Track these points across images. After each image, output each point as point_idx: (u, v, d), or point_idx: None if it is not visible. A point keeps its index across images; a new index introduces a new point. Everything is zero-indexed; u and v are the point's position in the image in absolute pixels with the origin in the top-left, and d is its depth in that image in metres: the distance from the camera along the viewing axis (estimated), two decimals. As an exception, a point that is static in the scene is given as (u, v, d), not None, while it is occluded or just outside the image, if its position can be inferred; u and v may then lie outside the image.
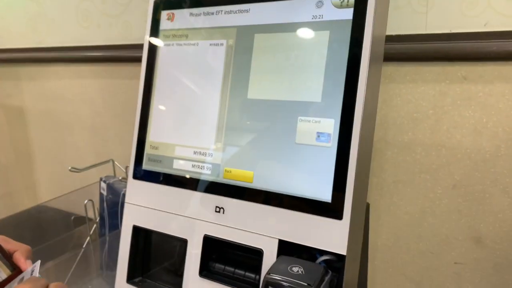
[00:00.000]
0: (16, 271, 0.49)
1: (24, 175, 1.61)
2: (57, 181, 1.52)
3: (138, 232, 0.70)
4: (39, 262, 0.51)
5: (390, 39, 0.80)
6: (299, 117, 0.56)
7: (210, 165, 0.64)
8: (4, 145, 1.65)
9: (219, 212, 0.62)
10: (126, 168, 1.13)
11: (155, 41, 0.71)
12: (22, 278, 0.50)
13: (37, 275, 0.49)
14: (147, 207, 0.68)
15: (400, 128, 0.84)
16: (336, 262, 0.55)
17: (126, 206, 0.71)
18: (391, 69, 0.83)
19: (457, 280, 0.84)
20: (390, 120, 0.85)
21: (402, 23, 0.79)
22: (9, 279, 0.48)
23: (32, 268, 0.50)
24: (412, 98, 0.82)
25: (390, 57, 0.80)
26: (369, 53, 0.53)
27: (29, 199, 1.62)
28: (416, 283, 0.88)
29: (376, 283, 0.92)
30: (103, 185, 1.12)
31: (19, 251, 0.51)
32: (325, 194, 0.54)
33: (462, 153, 0.79)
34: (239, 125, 0.62)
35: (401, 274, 0.89)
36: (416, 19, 0.79)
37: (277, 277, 0.51)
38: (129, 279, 0.70)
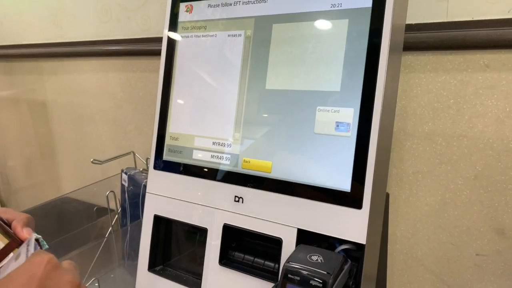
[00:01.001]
0: (12, 239, 0.45)
1: (48, 167, 1.65)
2: (80, 173, 1.56)
3: (159, 221, 0.71)
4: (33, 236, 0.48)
5: (410, 28, 0.79)
6: (318, 107, 0.56)
7: (228, 156, 0.65)
8: (28, 139, 1.70)
9: (238, 201, 0.63)
10: (147, 160, 1.15)
11: (173, 33, 0.72)
12: (26, 247, 0.46)
13: (32, 248, 0.46)
14: (167, 197, 0.70)
15: (420, 119, 0.83)
16: (355, 252, 0.55)
17: (147, 196, 0.72)
18: (411, 59, 0.82)
19: (478, 272, 0.83)
20: (409, 110, 0.84)
21: (422, 11, 0.78)
22: (6, 249, 0.44)
23: (28, 241, 0.46)
24: (432, 87, 0.81)
25: (410, 46, 0.79)
26: (388, 42, 0.53)
27: (53, 191, 1.67)
28: (435, 274, 0.87)
29: (395, 274, 0.92)
30: (124, 176, 1.15)
31: (16, 219, 0.48)
32: (344, 184, 0.54)
33: (484, 143, 0.77)
34: (257, 115, 0.62)
35: (421, 265, 0.89)
36: (436, 7, 0.77)
37: (296, 265, 0.51)
38: (151, 268, 0.71)
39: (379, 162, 0.53)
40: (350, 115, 0.54)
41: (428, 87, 0.81)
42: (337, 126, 0.54)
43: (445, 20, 0.77)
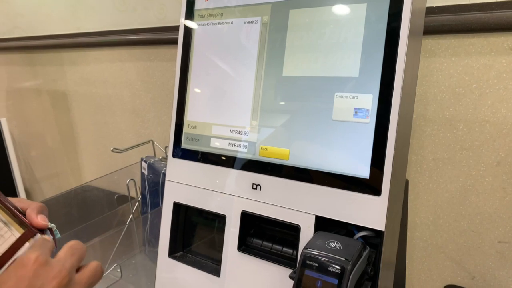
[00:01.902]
0: (27, 229, 0.44)
1: (70, 156, 1.69)
2: (100, 161, 1.59)
3: (179, 209, 0.72)
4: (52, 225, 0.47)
5: (431, 10, 0.77)
6: (336, 93, 0.55)
7: (246, 143, 0.65)
8: (50, 129, 1.73)
9: (256, 189, 0.63)
10: (166, 148, 1.16)
11: (190, 21, 0.72)
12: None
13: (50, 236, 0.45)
14: (186, 184, 0.70)
15: (440, 104, 0.81)
16: (374, 238, 0.55)
17: (166, 183, 0.73)
18: (431, 43, 0.80)
19: (500, 259, 0.81)
20: (430, 95, 0.82)
21: (443, -7, 0.76)
22: (21, 239, 0.43)
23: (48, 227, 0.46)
24: (454, 72, 0.79)
25: (430, 30, 0.78)
26: (408, 26, 0.51)
27: (74, 179, 1.71)
28: (456, 262, 0.86)
29: (414, 261, 0.91)
30: (144, 165, 1.16)
31: (30, 208, 0.47)
32: (363, 171, 0.53)
33: (508, 128, 0.75)
34: (274, 103, 0.62)
35: (441, 252, 0.88)
36: (459, -12, 0.75)
37: (314, 251, 0.51)
38: (171, 254, 0.73)
39: (398, 148, 0.52)
40: (369, 101, 0.53)
41: (449, 71, 0.79)
42: (356, 112, 0.54)
43: (468, 2, 0.75)
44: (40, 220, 0.45)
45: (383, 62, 0.53)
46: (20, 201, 0.48)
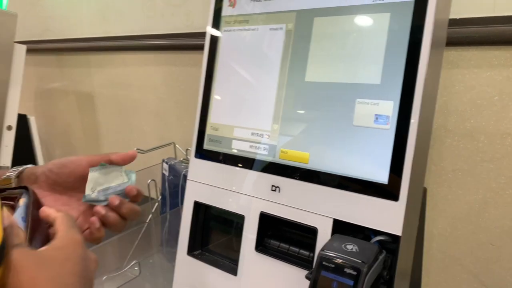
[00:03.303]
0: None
1: (93, 156, 1.73)
2: (123, 162, 1.62)
3: (199, 207, 0.74)
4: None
5: (454, 22, 0.77)
6: (357, 99, 0.57)
7: (266, 146, 0.66)
8: (75, 129, 1.79)
9: (275, 190, 0.64)
10: (187, 150, 1.18)
11: (216, 27, 0.75)
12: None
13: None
14: (207, 184, 0.72)
15: (462, 115, 0.81)
16: (390, 243, 0.55)
17: (188, 182, 0.75)
18: (453, 54, 0.81)
19: (519, 273, 0.80)
20: (451, 107, 0.83)
21: (467, 5, 0.77)
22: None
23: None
24: (476, 84, 0.79)
25: (453, 42, 0.78)
26: (431, 37, 0.53)
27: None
28: (474, 275, 0.86)
29: (431, 272, 0.91)
30: (165, 166, 1.19)
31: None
32: (381, 176, 0.54)
33: (529, 141, 0.75)
34: (296, 107, 0.64)
35: (458, 265, 0.87)
36: (482, 0, 0.75)
37: (331, 253, 0.52)
38: (190, 252, 0.75)
39: (418, 155, 0.53)
40: (390, 108, 0.54)
41: (471, 83, 0.79)
42: (376, 118, 0.55)
43: (492, 15, 0.75)
44: (129, 153, 0.54)
45: (404, 71, 0.54)
46: (97, 155, 0.54)
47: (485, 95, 0.78)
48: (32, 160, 1.59)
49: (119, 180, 0.55)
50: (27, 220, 0.44)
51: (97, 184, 0.53)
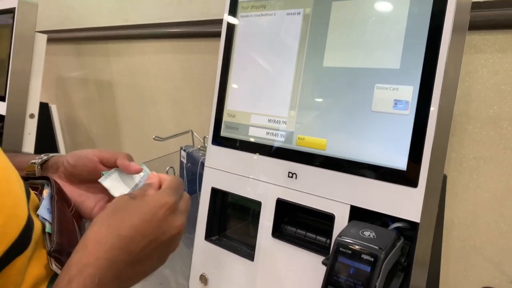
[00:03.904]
0: None
1: (112, 143, 1.76)
2: (142, 149, 1.65)
3: (216, 194, 0.75)
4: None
5: (477, 5, 0.75)
6: (376, 85, 0.56)
7: (283, 133, 0.66)
8: (95, 117, 1.82)
9: (292, 177, 0.64)
10: (204, 138, 1.19)
11: (233, 13, 0.74)
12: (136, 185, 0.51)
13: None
14: (224, 171, 0.73)
15: (484, 101, 0.79)
16: (408, 231, 0.55)
17: (205, 169, 0.76)
18: (477, 38, 0.78)
19: (542, 263, 0.79)
20: (473, 92, 0.80)
21: (492, -13, 0.74)
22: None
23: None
24: (500, 68, 0.77)
25: (476, 26, 0.76)
26: (452, 21, 0.51)
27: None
28: (495, 264, 0.84)
29: (450, 261, 0.90)
30: (183, 153, 1.20)
31: (120, 157, 0.52)
32: (400, 162, 0.54)
33: (555, 128, 0.73)
34: (314, 93, 0.63)
35: (479, 254, 0.86)
36: (509, -18, 0.73)
37: (348, 239, 0.52)
38: (207, 237, 0.75)
39: (437, 141, 0.52)
40: (409, 93, 0.53)
41: (495, 68, 0.77)
42: (396, 104, 0.54)
43: (518, -4, 0.72)
44: (133, 165, 0.52)
45: (425, 56, 0.53)
46: (107, 152, 0.54)
47: (510, 80, 0.76)
48: (54, 147, 1.63)
49: (137, 176, 0.55)
50: (52, 211, 0.45)
51: (119, 189, 0.53)
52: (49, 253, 0.40)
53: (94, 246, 0.36)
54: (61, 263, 0.40)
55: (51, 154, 0.56)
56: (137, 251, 0.38)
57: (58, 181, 0.52)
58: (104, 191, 0.52)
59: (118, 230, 0.38)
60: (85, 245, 0.37)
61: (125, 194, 0.44)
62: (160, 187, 0.47)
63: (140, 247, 0.39)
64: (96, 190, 0.55)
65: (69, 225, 0.47)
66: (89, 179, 0.54)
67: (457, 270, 0.90)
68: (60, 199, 0.48)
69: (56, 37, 1.77)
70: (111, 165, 0.53)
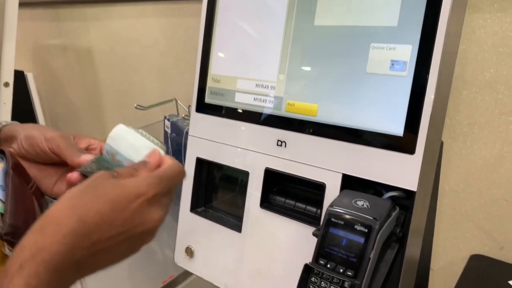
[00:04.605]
0: None
1: (94, 113, 1.70)
2: (124, 119, 1.59)
3: (201, 164, 0.71)
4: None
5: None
6: (372, 44, 0.52)
7: (272, 98, 0.62)
8: (76, 86, 1.74)
9: (281, 145, 0.61)
10: (189, 107, 1.14)
11: (217, -32, 0.68)
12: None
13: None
14: (210, 140, 0.69)
15: (481, 64, 0.76)
16: (403, 200, 0.52)
17: (189, 138, 0.72)
18: (476, -3, 0.74)
19: (533, 230, 0.78)
20: (470, 55, 0.77)
21: None
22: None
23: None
24: (499, 29, 0.73)
25: (476, -18, 0.71)
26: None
27: (99, 136, 1.72)
28: (485, 231, 0.83)
29: (440, 229, 0.89)
30: (167, 123, 1.15)
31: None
32: (396, 128, 0.50)
33: (554, 91, 0.70)
34: (304, 54, 0.59)
35: (469, 221, 0.85)
36: None
37: (340, 209, 0.49)
38: (193, 209, 0.72)
39: (437, 104, 0.48)
40: (408, 52, 0.49)
41: (493, 28, 0.73)
42: (392, 64, 0.50)
43: (521, -49, 0.68)
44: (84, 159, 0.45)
45: (425, 11, 0.48)
46: (58, 146, 0.46)
47: (509, 42, 0.72)
48: (32, 118, 1.56)
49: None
50: (6, 189, 0.40)
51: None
52: (1, 237, 0.36)
53: (53, 228, 0.32)
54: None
55: (3, 122, 0.49)
56: (102, 240, 0.34)
57: (15, 154, 0.46)
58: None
59: (82, 214, 0.33)
60: (42, 226, 0.32)
61: (108, 171, 0.38)
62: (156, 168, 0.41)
63: (105, 237, 0.34)
64: (59, 163, 0.48)
65: (27, 204, 0.41)
66: (44, 161, 0.48)
67: (447, 238, 0.89)
68: (17, 175, 0.42)
69: (30, 1, 1.66)
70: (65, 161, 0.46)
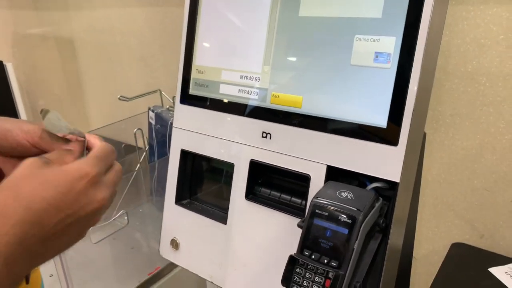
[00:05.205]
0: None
1: (77, 104, 1.67)
2: (108, 110, 1.57)
3: (186, 156, 0.71)
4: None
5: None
6: (356, 35, 0.52)
7: (257, 90, 0.62)
8: (57, 76, 1.71)
9: (266, 137, 0.61)
10: (173, 98, 1.13)
11: (201, -43, 0.67)
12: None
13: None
14: (194, 132, 0.68)
15: (463, 56, 0.77)
16: (387, 190, 0.53)
17: (173, 130, 0.71)
18: (459, -11, 0.74)
19: (512, 218, 0.80)
20: (452, 47, 0.78)
21: None
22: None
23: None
24: (481, 22, 0.74)
25: (459, -26, 0.72)
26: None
27: (82, 128, 1.69)
28: (466, 220, 0.85)
29: (422, 218, 0.90)
30: (152, 114, 1.14)
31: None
32: (380, 119, 0.51)
33: (534, 83, 0.71)
34: (289, 46, 0.58)
35: (451, 210, 0.86)
36: None
37: (324, 201, 0.50)
38: (178, 201, 0.72)
39: (420, 96, 0.49)
40: (391, 44, 0.49)
41: (476, 21, 0.74)
42: (377, 56, 0.50)
43: None
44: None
45: (409, 3, 0.49)
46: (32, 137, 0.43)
47: (490, 34, 0.73)
48: (12, 110, 1.53)
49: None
50: None
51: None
52: None
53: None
54: None
55: None
56: (51, 225, 0.34)
57: None
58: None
59: (28, 202, 0.32)
60: None
61: (38, 157, 0.37)
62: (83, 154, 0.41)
63: (54, 222, 0.34)
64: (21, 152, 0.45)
65: None
66: (22, 155, 0.44)
67: (429, 227, 0.90)
68: None
69: (9, -12, 1.62)
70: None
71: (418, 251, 0.93)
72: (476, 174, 0.81)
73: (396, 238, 0.54)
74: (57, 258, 0.93)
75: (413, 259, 0.93)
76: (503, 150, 0.77)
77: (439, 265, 0.77)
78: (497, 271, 0.73)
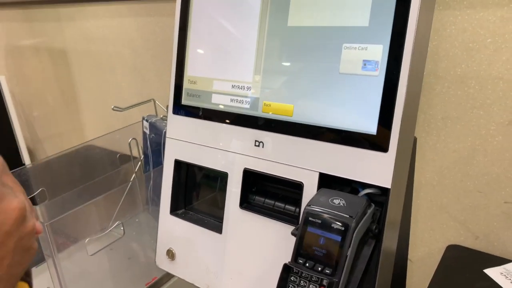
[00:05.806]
0: None
1: (71, 115, 1.67)
2: (102, 120, 1.57)
3: (180, 166, 0.71)
4: None
5: (447, -42, 0.72)
6: (344, 44, 0.52)
7: (248, 99, 0.62)
8: (51, 87, 1.71)
9: (258, 146, 0.61)
10: (167, 107, 1.14)
11: (190, -31, 0.68)
12: None
13: None
14: (187, 142, 0.69)
15: (452, 60, 0.78)
16: (379, 196, 0.53)
17: (167, 140, 0.71)
18: (446, -6, 0.75)
19: (506, 219, 0.80)
20: (441, 51, 0.78)
21: None
22: None
23: None
24: (468, 26, 0.75)
25: (445, -20, 0.73)
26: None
27: (77, 138, 1.69)
28: (460, 222, 0.86)
29: (418, 221, 0.91)
30: (146, 124, 1.14)
31: None
32: (370, 126, 0.51)
33: (522, 85, 0.72)
34: (279, 55, 0.59)
35: (445, 213, 0.87)
36: None
37: (317, 208, 0.50)
38: (172, 211, 0.72)
39: (408, 103, 0.50)
40: (379, 52, 0.50)
41: (463, 25, 0.75)
42: (364, 64, 0.51)
43: (487, -51, 0.70)
44: None
45: (395, 11, 0.49)
46: None
47: (478, 38, 0.74)
48: (6, 122, 1.52)
49: None
50: None
51: None
52: None
53: None
54: None
55: None
56: None
57: None
58: None
59: None
60: None
61: None
62: None
63: None
64: None
65: None
66: None
67: (424, 230, 0.91)
68: None
69: (1, 1, 1.62)
70: None
71: (414, 254, 0.93)
72: (468, 176, 0.82)
73: (389, 243, 0.55)
74: (53, 270, 0.93)
75: (409, 262, 0.94)
76: (494, 151, 0.78)
77: (435, 267, 0.78)
78: (493, 272, 0.74)
